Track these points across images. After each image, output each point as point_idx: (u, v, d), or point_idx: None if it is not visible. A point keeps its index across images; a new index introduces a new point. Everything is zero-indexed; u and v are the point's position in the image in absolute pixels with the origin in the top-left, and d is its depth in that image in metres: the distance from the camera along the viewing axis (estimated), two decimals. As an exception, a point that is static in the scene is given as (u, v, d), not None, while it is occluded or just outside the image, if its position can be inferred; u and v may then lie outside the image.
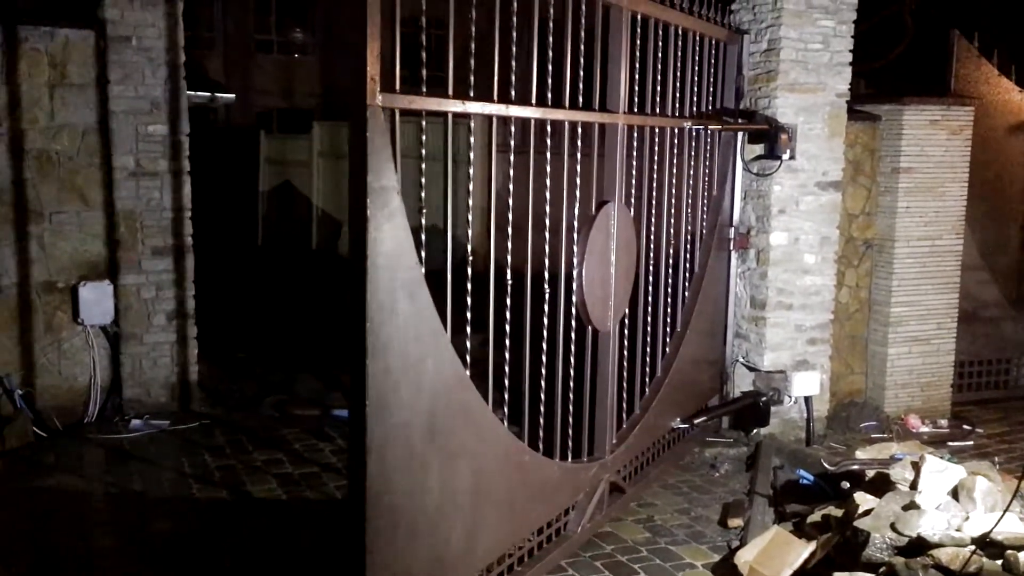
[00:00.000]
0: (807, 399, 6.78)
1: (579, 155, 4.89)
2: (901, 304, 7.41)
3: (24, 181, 6.46)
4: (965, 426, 7.39)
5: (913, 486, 4.73)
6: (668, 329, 6.16)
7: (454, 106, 3.89)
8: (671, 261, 6.10)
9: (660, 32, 5.65)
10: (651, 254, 5.80)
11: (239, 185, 17.16)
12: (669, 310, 6.13)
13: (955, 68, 7.92)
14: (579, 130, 4.89)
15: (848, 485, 5.26)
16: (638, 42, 5.36)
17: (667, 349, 6.16)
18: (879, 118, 7.39)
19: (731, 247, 6.92)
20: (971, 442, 7.02)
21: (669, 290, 6.10)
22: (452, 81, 3.86)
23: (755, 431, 6.79)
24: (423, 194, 3.76)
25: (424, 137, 3.70)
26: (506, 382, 4.37)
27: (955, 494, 4.61)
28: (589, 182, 5.03)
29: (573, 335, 4.91)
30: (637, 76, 5.43)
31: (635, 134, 5.42)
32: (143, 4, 6.62)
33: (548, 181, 4.62)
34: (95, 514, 5.31)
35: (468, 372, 4.00)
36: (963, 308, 7.71)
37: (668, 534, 5.31)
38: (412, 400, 3.65)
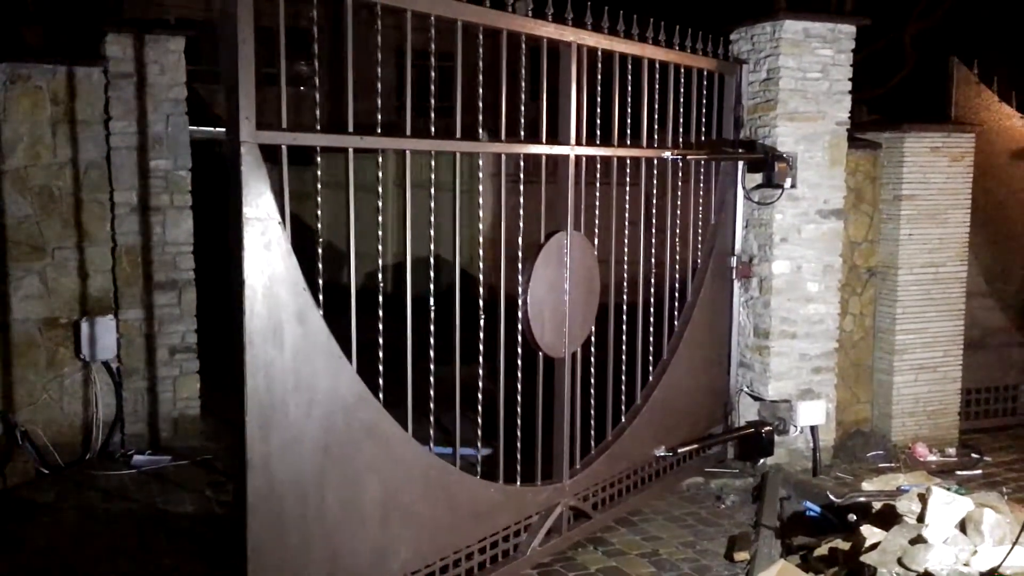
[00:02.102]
0: (813, 429, 6.72)
1: (522, 185, 5.04)
2: (906, 331, 7.37)
3: (27, 217, 6.48)
4: (973, 454, 7.32)
5: (920, 519, 4.67)
6: (653, 357, 6.17)
7: (352, 142, 4.06)
8: (653, 290, 6.11)
9: (629, 66, 5.71)
10: (625, 283, 5.82)
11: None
12: (652, 338, 6.12)
13: (955, 95, 7.92)
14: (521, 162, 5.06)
15: (855, 517, 5.21)
16: (598, 76, 5.44)
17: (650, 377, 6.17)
18: (880, 146, 7.39)
19: (733, 276, 6.90)
20: (980, 471, 6.94)
21: (651, 318, 6.09)
22: (352, 117, 4.03)
23: (761, 461, 6.74)
24: (319, 225, 4.04)
25: (316, 174, 4.01)
26: (431, 406, 4.53)
27: (963, 527, 4.55)
28: (546, 211, 5.18)
29: (520, 362, 5.03)
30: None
31: (598, 165, 5.51)
32: (145, 41, 6.66)
33: (482, 212, 4.78)
34: (97, 551, 5.26)
35: (381, 396, 4.17)
36: (969, 335, 7.66)
37: (673, 568, 5.25)
38: (302, 419, 3.82)
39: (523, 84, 4.80)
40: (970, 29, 12.57)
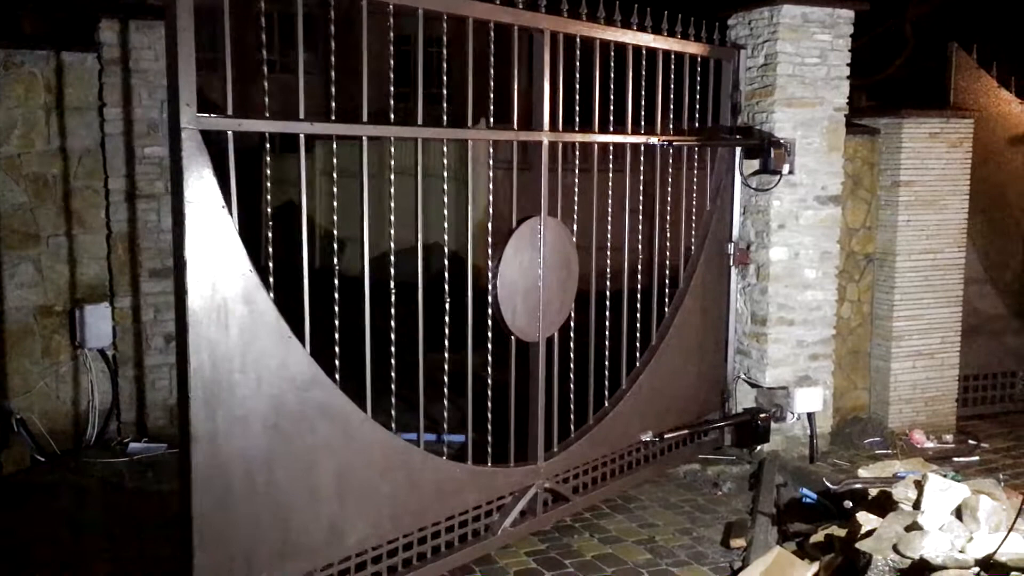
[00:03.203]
0: (810, 415, 6.71)
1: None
2: (903, 318, 7.35)
3: (21, 205, 6.45)
4: (970, 441, 7.32)
5: (916, 505, 4.67)
6: (641, 343, 6.17)
7: (302, 128, 4.09)
8: (642, 276, 6.09)
9: (612, 52, 5.66)
10: (609, 270, 5.80)
11: (241, 205, 17.25)
12: (640, 325, 6.11)
13: (954, 80, 7.87)
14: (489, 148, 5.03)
15: (851, 504, 5.20)
16: (576, 63, 5.40)
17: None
18: (878, 131, 7.35)
19: (731, 263, 6.87)
20: (976, 457, 6.93)
21: (639, 305, 6.08)
22: (302, 103, 4.05)
23: (758, 448, 6.73)
24: (269, 209, 4.13)
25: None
26: (392, 387, 4.57)
27: (959, 513, 4.54)
28: (525, 196, 5.21)
29: (492, 346, 5.05)
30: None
31: (578, 152, 5.50)
32: (139, 27, 6.61)
33: (446, 199, 4.84)
34: (92, 539, 5.26)
35: (338, 377, 4.25)
36: (967, 322, 7.65)
37: (669, 555, 5.25)
38: (250, 397, 3.89)
39: (491, 71, 4.75)
40: (970, 14, 12.51)
